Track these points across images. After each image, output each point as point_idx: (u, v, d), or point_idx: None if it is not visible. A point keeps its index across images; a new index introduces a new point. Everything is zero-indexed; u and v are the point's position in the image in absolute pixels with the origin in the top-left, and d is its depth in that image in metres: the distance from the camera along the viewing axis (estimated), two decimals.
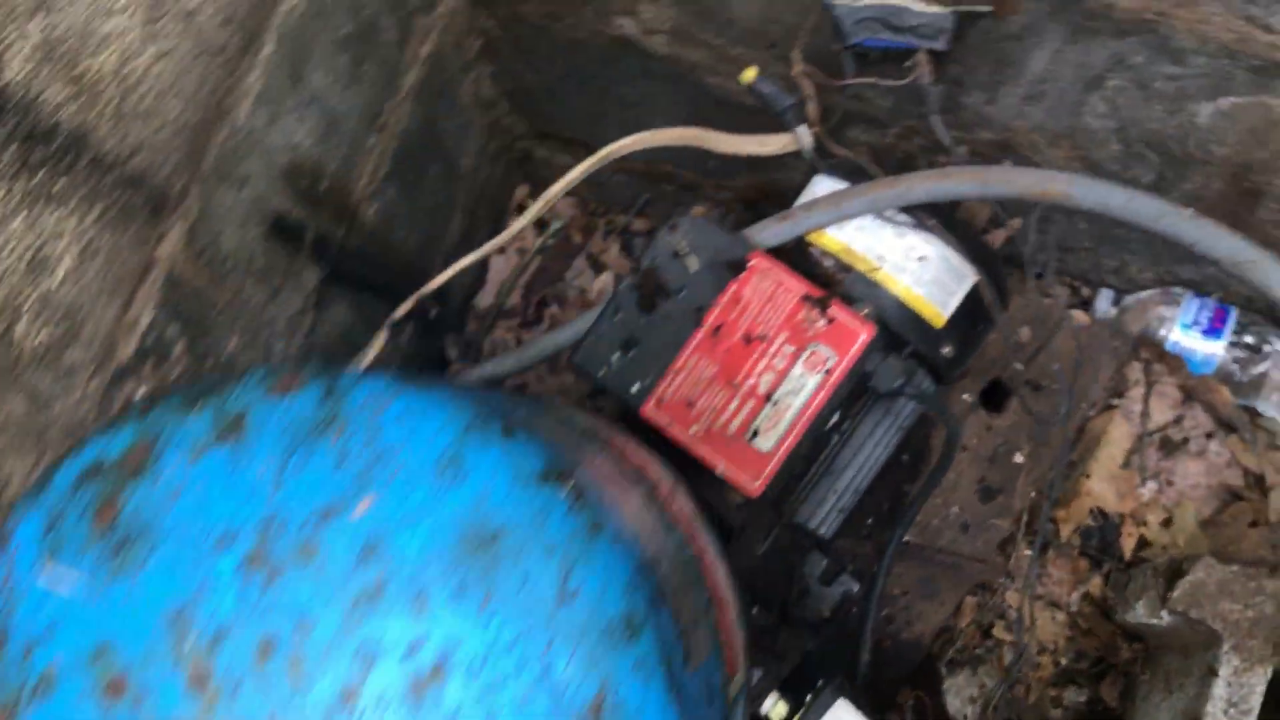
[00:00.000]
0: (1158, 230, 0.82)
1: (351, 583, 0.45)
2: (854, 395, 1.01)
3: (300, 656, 0.44)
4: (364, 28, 1.14)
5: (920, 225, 0.99)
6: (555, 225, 1.74)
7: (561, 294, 1.76)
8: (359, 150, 1.22)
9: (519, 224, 1.15)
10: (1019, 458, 1.24)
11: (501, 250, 1.76)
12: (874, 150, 1.30)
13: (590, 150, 1.62)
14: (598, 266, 1.75)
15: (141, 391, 0.99)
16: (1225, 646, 1.08)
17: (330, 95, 1.13)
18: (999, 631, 1.32)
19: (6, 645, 0.47)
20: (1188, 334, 1.31)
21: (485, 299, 1.76)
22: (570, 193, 1.77)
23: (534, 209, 1.13)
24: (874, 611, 1.16)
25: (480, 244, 1.72)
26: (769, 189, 1.50)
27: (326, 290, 1.27)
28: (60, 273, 0.85)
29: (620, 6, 1.22)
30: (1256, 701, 1.07)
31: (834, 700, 0.99)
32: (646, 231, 1.75)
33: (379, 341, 1.19)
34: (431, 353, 1.67)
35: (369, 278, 1.37)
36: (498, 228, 1.78)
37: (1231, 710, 1.07)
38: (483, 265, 1.76)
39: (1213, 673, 1.08)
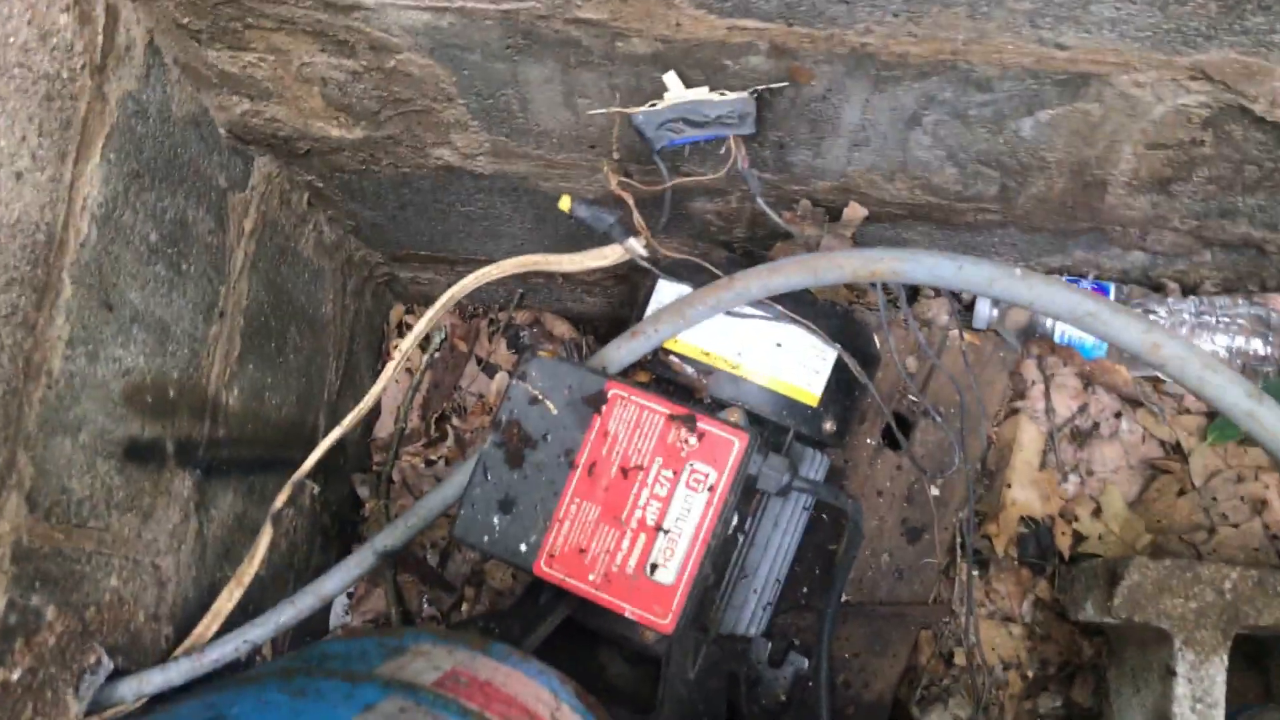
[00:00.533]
0: (992, 295, 0.80)
1: None
2: (746, 495, 0.98)
3: None
4: (173, 229, 1.10)
5: (771, 313, 0.97)
6: (438, 339, 1.70)
7: (460, 404, 1.72)
8: (202, 345, 1.18)
9: (376, 388, 1.11)
10: (934, 490, 1.22)
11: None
12: (722, 215, 1.28)
13: (452, 262, 1.60)
14: (489, 369, 1.72)
15: (19, 674, 0.94)
16: (1177, 644, 1.07)
17: (154, 307, 1.08)
18: (960, 658, 1.30)
19: None
20: None
21: (384, 428, 1.72)
22: None
23: (385, 375, 1.09)
24: (827, 683, 1.13)
25: (366, 374, 1.69)
26: (634, 264, 1.47)
27: (206, 489, 1.22)
28: None
29: (433, 140, 1.18)
30: (1220, 692, 1.06)
31: None
32: (530, 324, 1.72)
33: (265, 538, 1.14)
34: (342, 499, 1.63)
35: (250, 458, 1.32)
36: (380, 353, 1.74)
37: (1199, 706, 1.06)
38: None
39: (1171, 672, 1.07)
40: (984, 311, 1.35)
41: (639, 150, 1.07)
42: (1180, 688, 1.06)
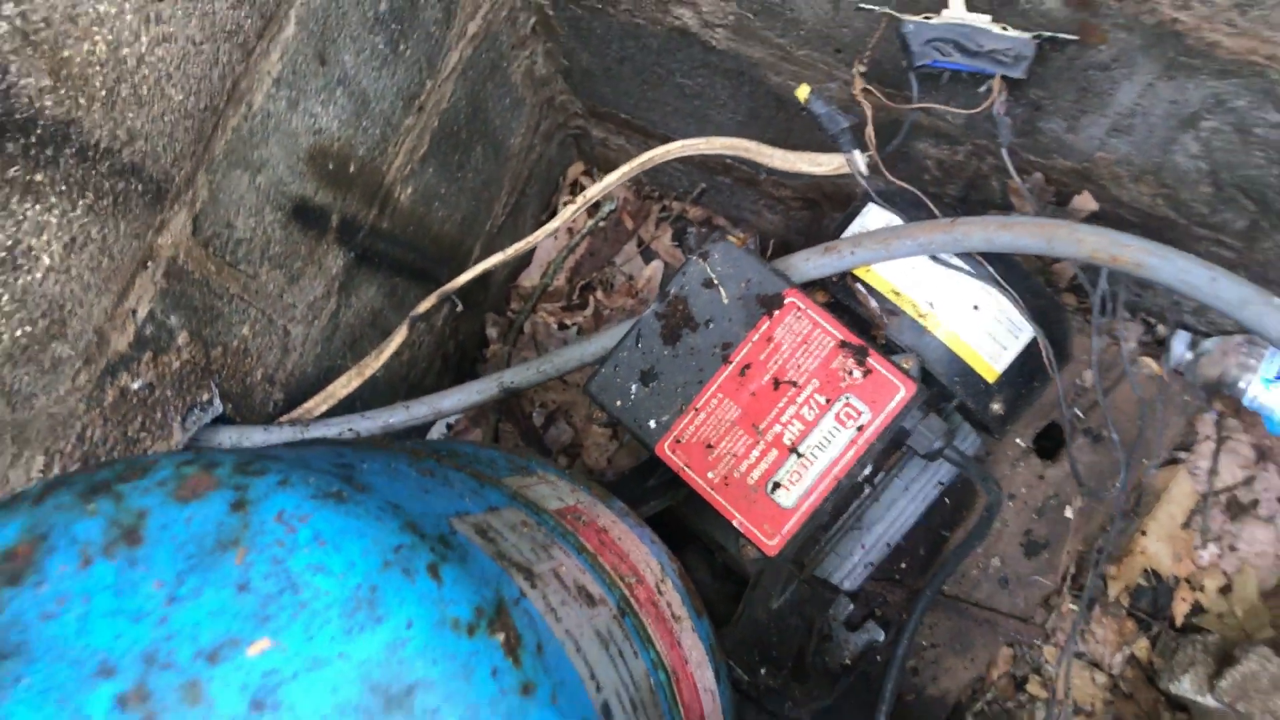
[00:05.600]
0: (1241, 319, 0.72)
1: None
2: (890, 447, 0.93)
3: None
4: (402, 6, 1.07)
5: (978, 269, 0.91)
6: (607, 208, 1.66)
7: (608, 280, 1.69)
8: (394, 131, 1.16)
9: (556, 223, 1.08)
10: (1069, 512, 1.15)
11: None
12: (942, 166, 1.21)
13: (647, 135, 1.55)
14: (648, 254, 1.68)
15: (139, 385, 0.94)
16: None
17: (362, 76, 1.06)
18: (1034, 687, 1.24)
19: None
20: (1270, 389, 1.20)
21: (530, 278, 1.70)
22: None
23: (562, 216, 1.06)
24: (899, 663, 1.08)
25: (529, 221, 1.66)
26: (830, 191, 1.41)
27: (354, 273, 1.21)
28: (43, 266, 0.80)
29: None
30: None
31: None
32: (702, 221, 1.67)
33: (399, 337, 1.13)
34: (470, 333, 1.62)
35: (402, 260, 1.31)
36: (549, 204, 1.71)
37: None
38: None
39: None
40: (1179, 351, 1.26)
41: (888, 68, 1.00)
42: None
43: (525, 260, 1.70)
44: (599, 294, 1.67)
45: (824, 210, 1.46)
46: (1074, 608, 1.23)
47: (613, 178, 1.07)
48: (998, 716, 1.23)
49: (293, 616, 0.40)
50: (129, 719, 0.40)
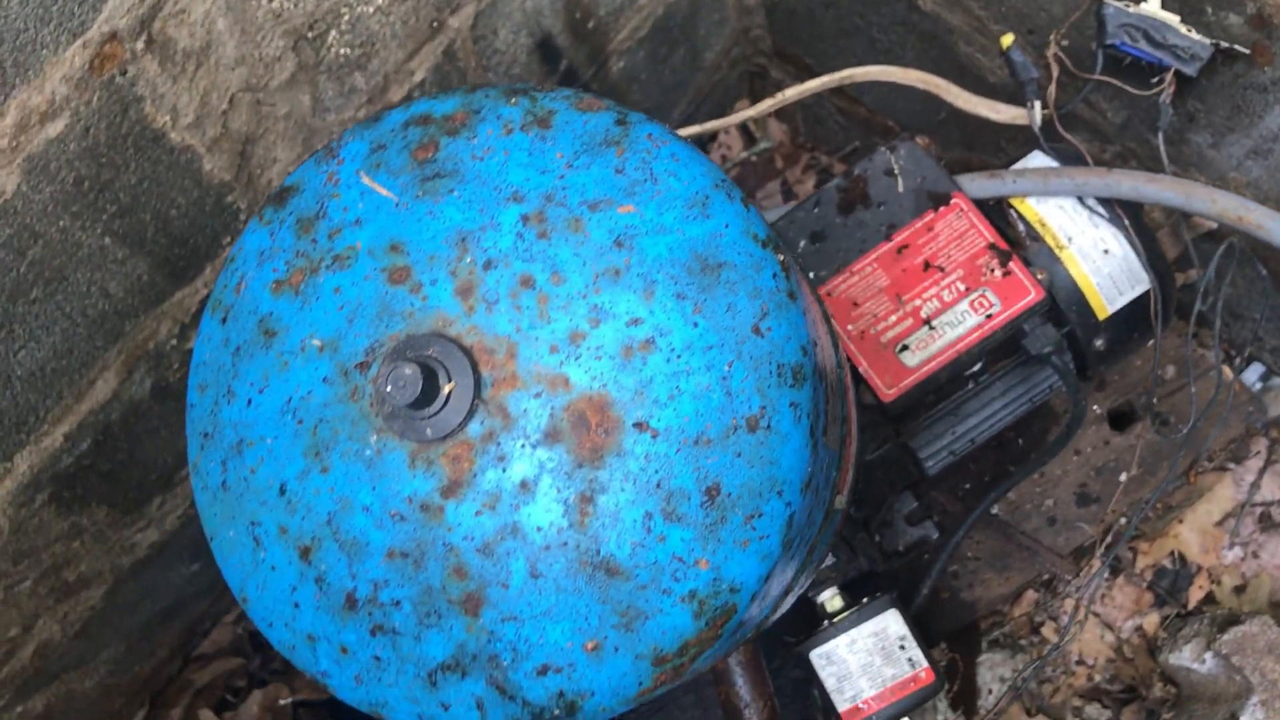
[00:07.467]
0: None
1: (602, 259, 0.56)
2: (1001, 353, 1.08)
3: (548, 297, 0.55)
4: None
5: (1115, 221, 1.06)
6: (763, 144, 1.82)
7: None
8: (630, 4, 1.33)
9: (751, 112, 1.24)
10: (1123, 477, 1.30)
11: (704, 149, 1.86)
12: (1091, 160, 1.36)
13: None
14: (789, 194, 1.84)
15: None
16: (1254, 699, 1.14)
17: None
18: (1048, 633, 1.39)
19: (319, 223, 0.59)
20: None
21: None
22: (785, 119, 1.87)
23: (759, 107, 1.22)
24: (945, 561, 1.24)
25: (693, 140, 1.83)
26: (976, 165, 1.56)
27: None
28: (375, 4, 0.97)
29: None
30: None
31: (886, 609, 1.08)
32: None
33: None
34: None
35: None
36: (714, 135, 1.87)
37: None
38: None
39: (1234, 718, 1.14)
40: (1250, 379, 1.41)
41: (1078, 52, 1.16)
42: None
43: None
44: None
45: None
46: (1099, 565, 1.37)
47: (814, 84, 1.23)
48: (1007, 646, 1.38)
49: (651, 197, 0.57)
50: (529, 231, 0.56)
